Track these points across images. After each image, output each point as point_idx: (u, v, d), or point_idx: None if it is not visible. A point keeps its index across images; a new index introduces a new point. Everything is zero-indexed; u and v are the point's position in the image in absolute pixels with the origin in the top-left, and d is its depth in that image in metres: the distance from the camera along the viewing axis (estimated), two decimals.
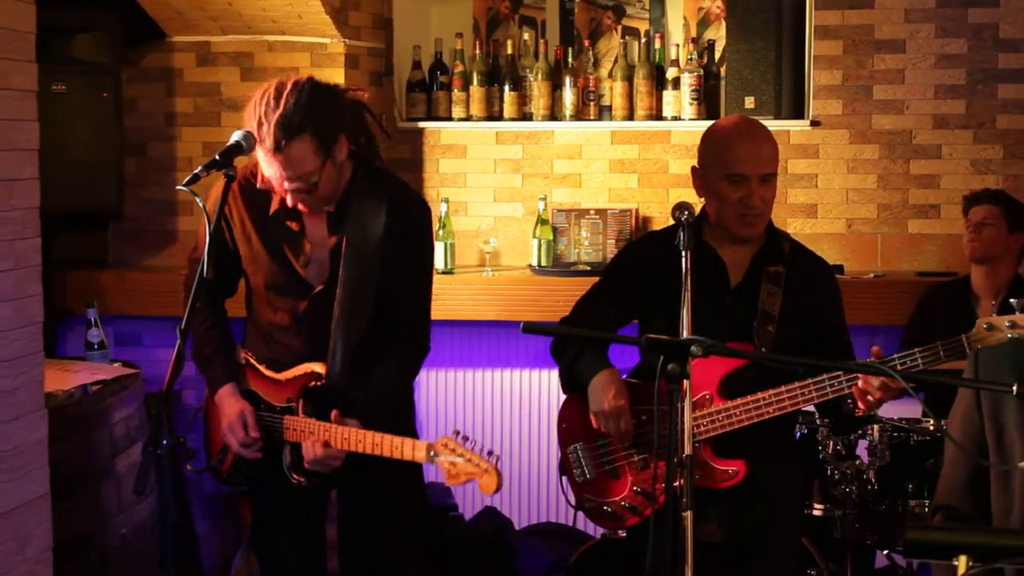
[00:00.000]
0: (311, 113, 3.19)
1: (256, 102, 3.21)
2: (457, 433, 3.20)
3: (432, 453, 3.17)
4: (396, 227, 3.35)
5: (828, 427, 4.28)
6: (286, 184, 3.24)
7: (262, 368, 3.47)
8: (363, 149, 3.40)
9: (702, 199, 3.36)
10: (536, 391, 5.49)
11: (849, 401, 3.18)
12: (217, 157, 3.20)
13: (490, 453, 3.15)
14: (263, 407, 3.44)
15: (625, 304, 3.45)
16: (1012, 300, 2.92)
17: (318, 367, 3.37)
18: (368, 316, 3.36)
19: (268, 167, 3.24)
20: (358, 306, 3.35)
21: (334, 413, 3.29)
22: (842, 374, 3.09)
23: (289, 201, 3.29)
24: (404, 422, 3.51)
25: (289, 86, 3.21)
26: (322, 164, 3.23)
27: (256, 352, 3.50)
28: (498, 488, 3.14)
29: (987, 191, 4.80)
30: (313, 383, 3.37)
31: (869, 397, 3.06)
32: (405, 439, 3.24)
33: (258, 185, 3.34)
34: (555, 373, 5.33)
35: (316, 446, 3.28)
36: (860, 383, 3.06)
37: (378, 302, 3.37)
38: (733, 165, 3.24)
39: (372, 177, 3.40)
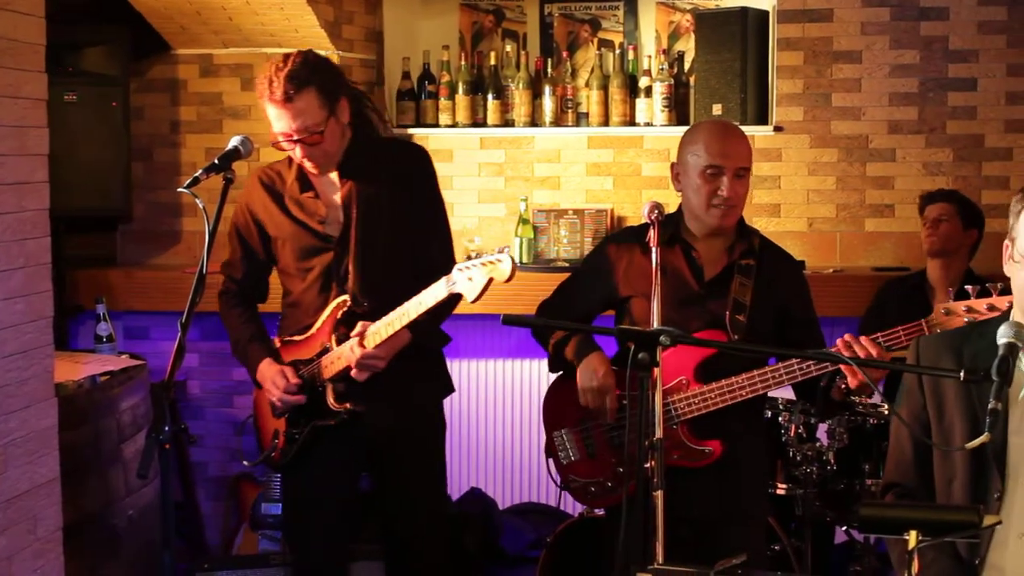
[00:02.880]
0: (316, 70, 3.30)
1: (267, 69, 3.30)
2: (468, 258, 3.23)
3: (451, 283, 3.18)
4: (398, 168, 3.45)
5: (812, 412, 4.23)
6: (295, 136, 3.30)
7: (295, 338, 3.51)
8: (363, 125, 3.49)
9: (679, 194, 3.37)
10: (518, 380, 5.46)
11: (843, 384, 3.15)
12: (216, 161, 3.21)
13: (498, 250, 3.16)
14: (300, 367, 3.48)
15: (602, 293, 3.43)
16: (967, 287, 2.90)
17: (342, 297, 3.42)
18: (382, 249, 3.42)
19: (278, 121, 3.30)
20: (370, 235, 3.41)
21: (362, 323, 3.32)
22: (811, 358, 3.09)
23: (298, 154, 3.34)
24: (438, 363, 3.60)
25: (294, 53, 3.34)
26: (327, 118, 3.30)
27: (289, 332, 3.54)
28: (512, 274, 3.13)
29: (942, 191, 4.80)
30: (341, 312, 3.42)
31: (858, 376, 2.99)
32: (425, 292, 3.24)
33: (270, 143, 3.40)
34: (535, 363, 5.35)
35: (354, 348, 3.31)
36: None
37: (397, 242, 3.43)
38: (710, 158, 3.25)
39: (371, 136, 3.52)
